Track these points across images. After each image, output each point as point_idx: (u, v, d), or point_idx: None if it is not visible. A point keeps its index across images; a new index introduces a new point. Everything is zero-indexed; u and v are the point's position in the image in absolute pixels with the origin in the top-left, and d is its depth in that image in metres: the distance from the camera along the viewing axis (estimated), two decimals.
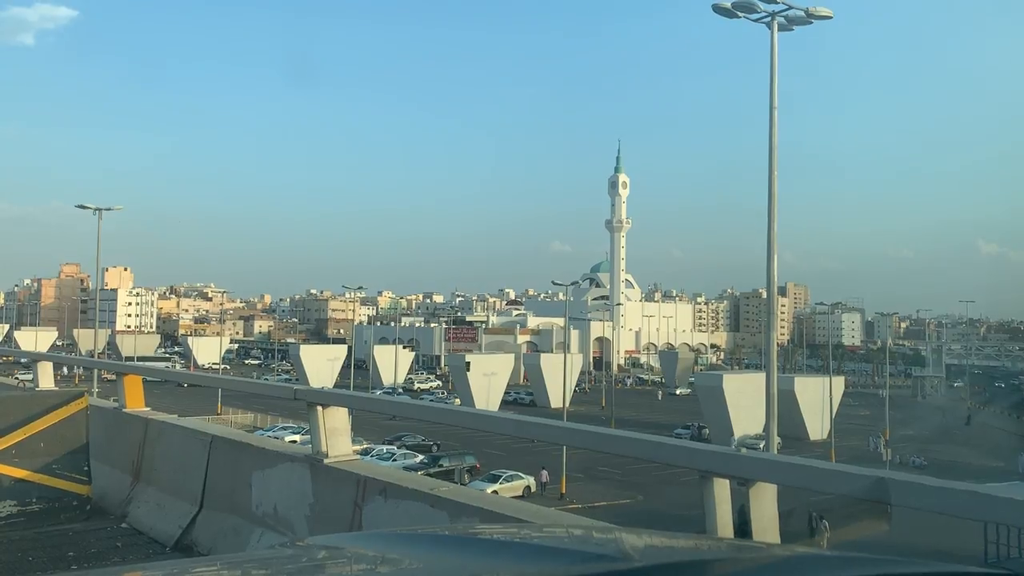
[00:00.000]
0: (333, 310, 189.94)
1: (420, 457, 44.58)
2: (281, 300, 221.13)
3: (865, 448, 56.83)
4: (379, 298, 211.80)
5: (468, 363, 75.07)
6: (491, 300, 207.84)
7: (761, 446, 35.82)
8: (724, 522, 3.76)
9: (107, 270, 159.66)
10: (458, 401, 68.94)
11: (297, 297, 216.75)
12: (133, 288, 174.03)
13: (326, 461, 5.86)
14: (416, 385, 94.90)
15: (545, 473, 41.24)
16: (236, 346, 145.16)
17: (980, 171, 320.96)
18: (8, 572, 6.83)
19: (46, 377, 11.48)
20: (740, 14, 23.08)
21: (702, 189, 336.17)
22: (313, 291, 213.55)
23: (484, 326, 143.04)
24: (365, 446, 42.26)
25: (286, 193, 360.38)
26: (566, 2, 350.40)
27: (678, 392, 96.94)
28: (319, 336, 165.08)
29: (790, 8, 23.16)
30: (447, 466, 41.79)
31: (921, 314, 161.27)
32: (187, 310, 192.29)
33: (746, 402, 55.76)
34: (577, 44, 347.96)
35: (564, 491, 39.69)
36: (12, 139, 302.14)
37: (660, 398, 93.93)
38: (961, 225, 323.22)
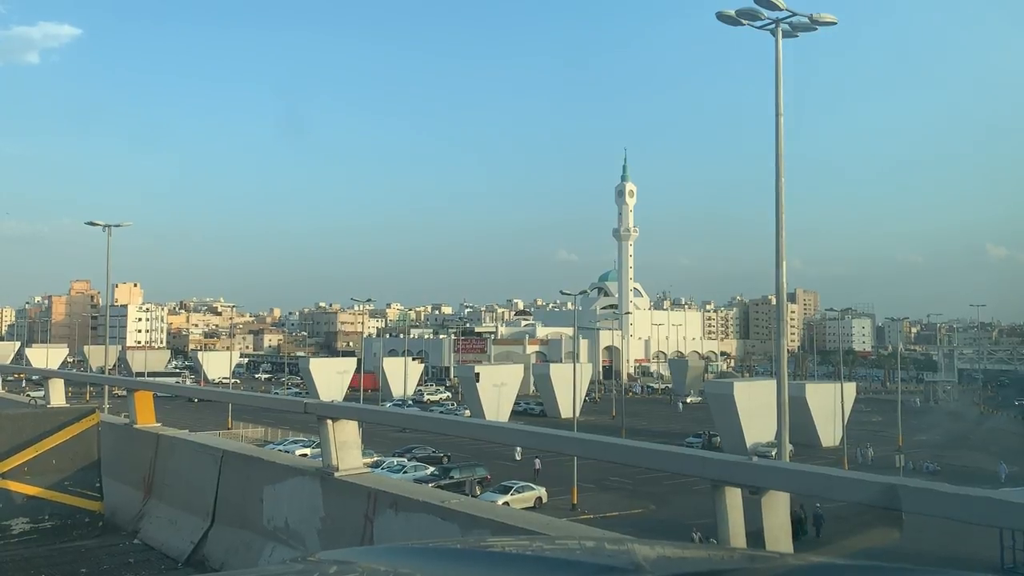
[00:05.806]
0: (342, 323, 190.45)
1: (431, 469, 44.55)
2: (290, 314, 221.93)
3: (879, 454, 56.38)
4: (388, 310, 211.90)
5: (477, 374, 75.01)
6: (500, 311, 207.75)
7: (773, 454, 35.61)
8: (736, 531, 3.73)
9: (117, 286, 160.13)
10: (468, 412, 68.97)
11: (306, 310, 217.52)
12: (143, 304, 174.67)
13: (337, 474, 5.85)
14: (426, 397, 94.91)
15: (538, 461, 43.14)
16: (246, 360, 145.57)
17: (988, 174, 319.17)
18: None
19: (57, 394, 11.51)
20: (744, 21, 23.08)
21: (709, 196, 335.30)
22: (322, 304, 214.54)
23: (493, 337, 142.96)
24: (376, 459, 42.29)
25: (294, 207, 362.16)
26: (573, 10, 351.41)
27: (688, 400, 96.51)
28: (328, 349, 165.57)
29: (794, 15, 23.15)
30: (458, 478, 41.75)
31: (932, 319, 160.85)
32: (197, 325, 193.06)
33: (757, 410, 55.46)
34: (583, 53, 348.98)
35: (576, 501, 39.56)
36: (20, 157, 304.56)
37: (681, 409, 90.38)
38: (970, 228, 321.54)
